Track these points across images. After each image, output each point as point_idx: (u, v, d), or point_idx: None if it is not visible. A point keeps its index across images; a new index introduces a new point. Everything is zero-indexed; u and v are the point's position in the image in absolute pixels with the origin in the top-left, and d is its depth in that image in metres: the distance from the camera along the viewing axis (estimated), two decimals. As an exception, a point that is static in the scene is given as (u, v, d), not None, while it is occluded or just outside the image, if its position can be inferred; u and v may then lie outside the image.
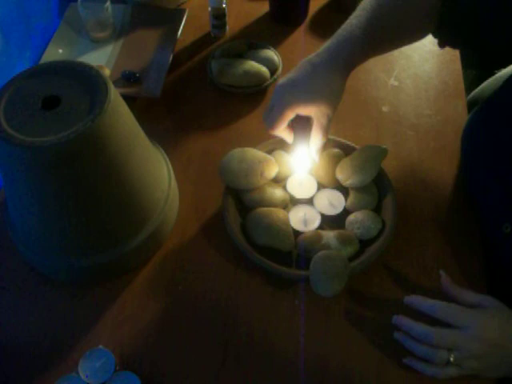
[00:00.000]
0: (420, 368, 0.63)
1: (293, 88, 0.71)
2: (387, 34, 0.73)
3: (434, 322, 0.63)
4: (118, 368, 0.65)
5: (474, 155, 0.81)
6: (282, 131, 0.74)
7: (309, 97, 0.70)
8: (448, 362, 0.61)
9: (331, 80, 0.71)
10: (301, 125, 0.74)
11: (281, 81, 0.73)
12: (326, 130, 0.72)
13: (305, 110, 0.71)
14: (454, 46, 0.74)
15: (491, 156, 0.76)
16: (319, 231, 0.74)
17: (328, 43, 0.73)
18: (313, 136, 0.73)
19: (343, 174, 0.77)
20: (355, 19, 0.72)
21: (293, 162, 0.78)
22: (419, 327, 0.62)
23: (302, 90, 0.71)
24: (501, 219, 0.72)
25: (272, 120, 0.73)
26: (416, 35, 0.76)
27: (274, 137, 0.77)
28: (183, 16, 1.03)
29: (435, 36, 0.76)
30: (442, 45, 0.76)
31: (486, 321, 0.62)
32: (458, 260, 0.75)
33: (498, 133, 0.74)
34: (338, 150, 0.81)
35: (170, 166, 0.79)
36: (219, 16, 1.01)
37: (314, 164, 0.77)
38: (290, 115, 0.72)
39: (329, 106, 0.71)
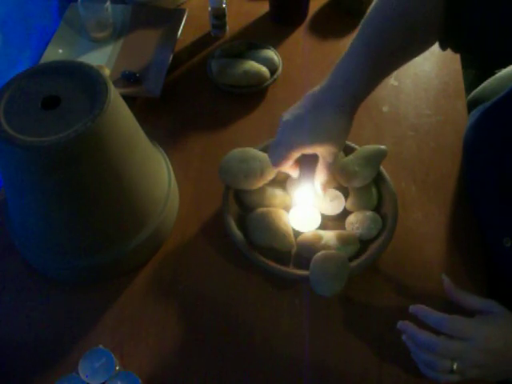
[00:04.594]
0: (422, 369, 0.63)
1: (297, 127, 0.68)
2: (393, 55, 0.68)
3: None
4: (117, 368, 0.65)
5: (475, 164, 0.80)
6: (287, 168, 0.72)
7: (314, 138, 0.67)
8: (451, 371, 0.60)
9: (337, 119, 0.67)
10: (307, 161, 0.72)
11: (285, 116, 0.69)
12: (331, 167, 0.71)
13: (310, 150, 0.69)
14: (455, 51, 0.73)
15: (494, 167, 0.75)
16: (319, 231, 0.74)
17: (332, 73, 0.68)
18: (317, 173, 0.72)
19: (343, 175, 0.77)
20: (359, 44, 0.67)
21: (296, 195, 0.77)
22: (423, 336, 0.60)
23: (307, 130, 0.67)
24: (501, 233, 0.71)
25: (277, 158, 0.70)
26: (423, 48, 0.71)
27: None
28: (183, 16, 1.03)
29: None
30: (443, 47, 0.75)
31: (491, 331, 0.60)
32: (460, 261, 0.75)
33: (501, 140, 0.74)
34: (338, 150, 0.81)
35: (170, 166, 0.79)
36: (219, 16, 1.01)
37: (318, 198, 0.76)
38: (296, 155, 0.69)
39: (335, 144, 0.68)
